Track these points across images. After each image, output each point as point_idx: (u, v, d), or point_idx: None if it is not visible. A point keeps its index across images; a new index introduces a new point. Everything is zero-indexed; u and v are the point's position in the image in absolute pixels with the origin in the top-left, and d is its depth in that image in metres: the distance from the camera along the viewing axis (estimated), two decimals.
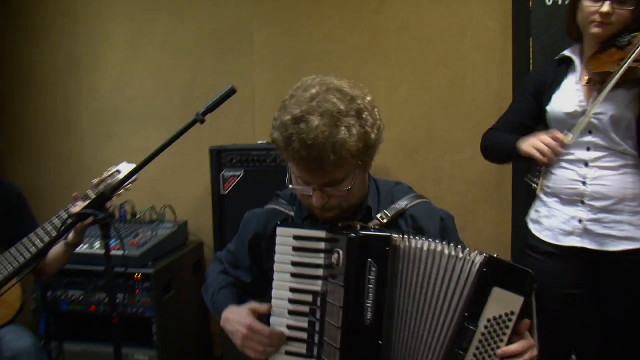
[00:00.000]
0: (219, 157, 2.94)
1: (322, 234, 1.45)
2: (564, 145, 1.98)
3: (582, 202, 2.02)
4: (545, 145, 1.98)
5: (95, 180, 2.26)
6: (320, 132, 1.34)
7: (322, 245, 1.44)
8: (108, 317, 2.69)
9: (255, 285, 1.67)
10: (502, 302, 1.33)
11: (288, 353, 1.47)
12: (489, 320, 1.33)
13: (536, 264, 2.12)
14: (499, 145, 2.21)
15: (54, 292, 2.85)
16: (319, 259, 1.44)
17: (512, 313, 1.32)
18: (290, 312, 1.47)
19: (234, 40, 3.26)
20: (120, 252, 2.67)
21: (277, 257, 1.49)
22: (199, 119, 1.60)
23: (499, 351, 1.32)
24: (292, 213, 1.63)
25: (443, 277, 1.38)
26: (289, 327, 1.47)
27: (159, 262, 2.85)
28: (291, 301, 1.47)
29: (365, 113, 1.41)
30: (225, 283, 1.68)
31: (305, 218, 1.59)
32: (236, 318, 1.51)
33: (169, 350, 2.88)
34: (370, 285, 1.38)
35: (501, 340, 1.33)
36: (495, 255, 1.35)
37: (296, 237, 1.47)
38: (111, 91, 3.47)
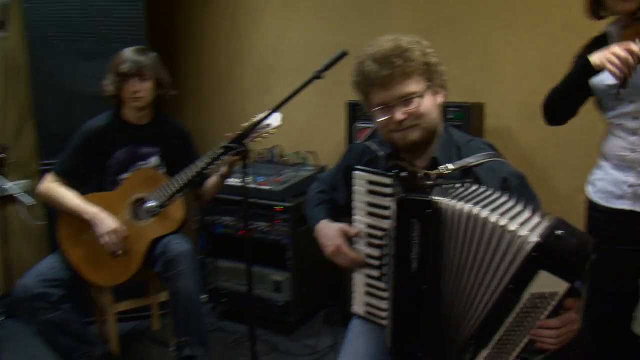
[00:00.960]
0: (354, 111, 3.23)
1: (388, 180, 1.64)
2: (635, 55, 1.82)
3: (632, 169, 2.04)
4: (616, 56, 1.83)
5: (244, 124, 2.72)
6: (386, 46, 1.70)
7: (388, 190, 1.64)
8: (252, 241, 3.22)
9: (347, 207, 1.89)
10: (547, 284, 1.35)
11: (365, 274, 1.78)
12: (532, 294, 1.38)
13: (592, 221, 2.18)
14: (567, 78, 2.11)
15: (211, 217, 3.42)
16: (387, 202, 1.64)
17: (555, 294, 1.36)
18: (367, 243, 1.75)
19: (375, 3, 3.52)
20: (267, 187, 3.17)
21: (354, 196, 1.75)
22: (317, 76, 2.01)
23: (537, 323, 1.40)
24: (382, 153, 1.91)
25: (487, 245, 1.44)
26: (366, 254, 1.76)
27: (297, 198, 3.24)
28: (367, 235, 1.75)
29: (424, 45, 1.74)
30: (322, 200, 2.04)
31: (388, 156, 1.87)
32: (328, 234, 1.86)
33: (301, 275, 3.31)
34: (414, 241, 1.53)
35: (541, 313, 1.39)
36: (558, 233, 1.35)
37: (368, 182, 1.71)
38: (268, 49, 3.93)
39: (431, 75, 1.76)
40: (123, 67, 2.69)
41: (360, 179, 1.72)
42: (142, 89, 2.72)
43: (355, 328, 1.93)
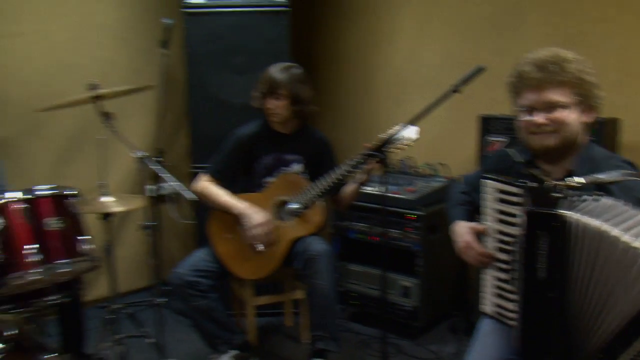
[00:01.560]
0: (486, 124, 3.28)
1: (517, 190, 1.71)
2: None
3: None
4: None
5: (382, 135, 2.87)
6: (547, 53, 1.81)
7: (517, 199, 1.71)
8: (382, 248, 3.35)
9: None
10: None
11: (495, 276, 1.88)
12: None
13: None
14: None
15: (345, 222, 3.60)
16: (515, 210, 1.72)
17: None
18: (497, 248, 1.84)
19: (510, 20, 3.56)
20: (400, 196, 3.29)
21: (484, 203, 1.85)
22: (454, 90, 2.13)
23: None
24: (520, 159, 1.99)
25: (617, 264, 1.42)
26: (496, 258, 1.84)
27: (428, 208, 3.36)
28: (496, 239, 1.83)
29: (585, 64, 1.80)
30: (462, 201, 2.15)
31: (526, 163, 1.95)
32: (459, 231, 1.99)
33: (429, 282, 3.40)
34: (541, 251, 1.57)
35: None
36: None
37: (498, 190, 1.80)
38: (402, 64, 4.08)
39: (583, 92, 1.82)
40: (264, 85, 2.95)
41: (490, 187, 1.82)
42: (277, 107, 2.96)
43: (485, 327, 2.02)
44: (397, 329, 3.44)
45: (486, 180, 1.83)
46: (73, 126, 3.77)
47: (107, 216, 2.76)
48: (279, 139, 3.05)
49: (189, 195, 2.70)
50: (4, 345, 1.95)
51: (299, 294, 3.20)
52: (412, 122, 2.43)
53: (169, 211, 3.67)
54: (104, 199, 2.76)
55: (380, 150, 2.52)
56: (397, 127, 2.66)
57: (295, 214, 2.88)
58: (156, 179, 2.71)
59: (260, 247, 2.89)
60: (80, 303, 2.78)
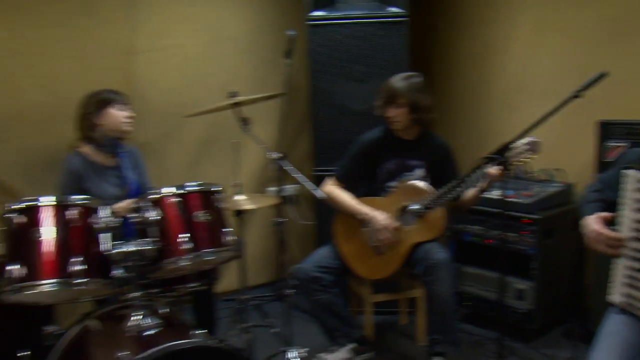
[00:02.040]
0: (606, 130, 3.27)
1: None
2: None
3: None
4: None
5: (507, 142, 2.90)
6: None
7: None
8: (498, 250, 3.40)
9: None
10: None
11: (628, 266, 1.92)
12: None
13: None
14: None
15: (461, 225, 3.69)
16: None
17: None
18: (633, 237, 1.88)
19: (630, 24, 3.49)
20: (516, 200, 3.34)
21: (624, 193, 1.90)
22: (575, 95, 2.19)
23: None
24: None
25: None
26: (633, 248, 1.89)
27: (545, 212, 3.39)
28: (633, 228, 1.87)
29: None
30: (594, 199, 2.18)
31: None
32: (588, 224, 2.04)
33: (544, 286, 3.42)
34: None
35: None
36: None
37: (638, 180, 1.86)
38: (517, 71, 4.10)
39: None
40: (385, 94, 3.09)
41: (632, 177, 1.88)
42: (397, 115, 3.09)
43: (611, 324, 2.03)
44: (511, 332, 3.48)
45: (629, 171, 1.88)
46: (205, 131, 4.11)
47: (239, 213, 3.01)
48: (402, 145, 3.18)
49: (320, 194, 2.90)
50: (159, 321, 2.20)
51: (415, 293, 3.33)
52: (531, 129, 2.49)
53: (289, 212, 3.91)
54: (237, 197, 3.00)
55: (502, 158, 2.61)
56: (521, 140, 2.70)
57: (417, 214, 3.00)
58: (280, 180, 2.92)
59: (383, 250, 3.04)
60: (213, 292, 3.05)
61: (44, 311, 2.54)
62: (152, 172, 3.36)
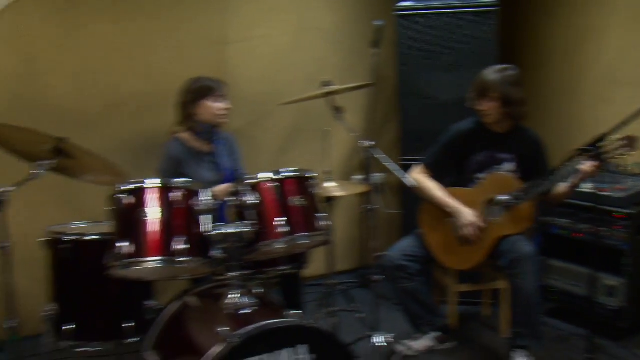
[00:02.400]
0: None
1: None
2: None
3: None
4: None
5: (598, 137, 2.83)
6: None
7: None
8: (587, 244, 3.33)
9: None
10: None
11: None
12: None
13: None
14: None
15: (548, 218, 3.62)
16: None
17: None
18: None
19: None
20: (608, 194, 3.26)
21: None
22: None
23: None
24: None
25: None
26: None
27: (638, 207, 3.29)
28: None
29: None
30: None
31: None
32: None
33: (637, 282, 3.32)
34: None
35: None
36: None
37: None
38: (613, 60, 3.95)
39: None
40: (477, 87, 3.07)
41: None
42: (488, 108, 3.06)
43: None
44: (600, 329, 3.40)
45: None
46: (293, 119, 4.21)
47: (329, 200, 3.07)
48: (493, 138, 3.16)
49: (410, 183, 2.93)
50: (255, 300, 2.30)
51: (499, 285, 3.31)
52: (628, 122, 2.42)
53: (375, 200, 3.95)
54: (327, 184, 3.07)
55: (595, 151, 2.56)
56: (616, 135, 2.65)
57: (505, 206, 2.99)
58: (368, 168, 2.96)
59: (471, 241, 3.05)
60: (301, 276, 3.14)
61: (145, 287, 2.70)
62: (243, 157, 3.48)
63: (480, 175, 3.16)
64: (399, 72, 3.89)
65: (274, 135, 4.22)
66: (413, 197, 3.28)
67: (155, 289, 2.80)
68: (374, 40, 2.95)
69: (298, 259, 2.84)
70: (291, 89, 3.87)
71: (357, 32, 4.36)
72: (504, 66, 3.09)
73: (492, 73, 3.05)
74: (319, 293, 3.57)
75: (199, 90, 3.12)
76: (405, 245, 3.18)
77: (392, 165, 2.83)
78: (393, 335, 3.08)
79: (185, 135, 3.15)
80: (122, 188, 2.30)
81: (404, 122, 3.94)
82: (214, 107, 3.12)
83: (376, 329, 3.01)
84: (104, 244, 2.39)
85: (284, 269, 2.75)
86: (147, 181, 2.31)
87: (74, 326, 2.56)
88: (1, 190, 2.40)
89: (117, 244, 2.24)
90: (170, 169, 3.02)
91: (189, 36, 3.85)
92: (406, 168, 3.32)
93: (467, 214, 3.03)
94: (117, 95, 3.66)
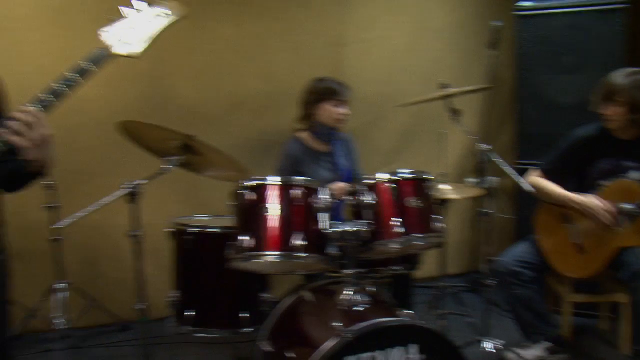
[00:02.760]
0: None
1: None
2: None
3: None
4: None
5: None
6: None
7: None
8: None
9: None
10: None
11: None
12: None
13: None
14: None
15: None
16: None
17: None
18: None
19: None
20: None
21: None
22: None
23: None
24: None
25: None
26: None
27: None
28: None
29: None
30: None
31: None
32: None
33: None
34: None
35: None
36: None
37: None
38: None
39: None
40: (603, 90, 2.94)
41: None
42: (613, 113, 2.93)
43: None
44: None
45: None
46: (408, 120, 4.23)
47: (443, 202, 3.07)
48: (618, 145, 3.02)
49: (527, 187, 2.88)
50: (368, 298, 2.35)
51: (619, 298, 3.16)
52: None
53: (489, 204, 3.89)
54: (442, 186, 3.06)
55: None
56: None
57: (630, 214, 2.86)
58: (483, 171, 2.93)
59: (586, 247, 2.94)
60: (411, 277, 3.15)
61: (261, 280, 2.81)
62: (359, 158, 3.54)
63: (604, 182, 3.04)
64: (517, 74, 3.83)
65: (388, 136, 4.26)
66: (528, 202, 3.21)
67: (270, 282, 2.91)
68: (492, 41, 2.92)
69: (410, 259, 2.86)
70: (407, 90, 3.91)
71: (474, 32, 4.32)
72: (634, 69, 2.94)
73: (620, 76, 2.91)
74: (429, 295, 3.58)
75: (322, 92, 3.19)
76: (519, 250, 3.11)
77: (508, 169, 2.79)
78: (503, 341, 3.03)
79: (304, 135, 3.25)
80: (245, 184, 2.41)
81: (521, 125, 3.86)
82: (333, 110, 3.19)
83: (486, 334, 2.98)
84: (225, 237, 2.53)
85: (396, 269, 2.77)
86: (268, 178, 2.40)
87: (194, 313, 2.71)
88: (135, 183, 2.58)
89: (239, 237, 2.35)
90: (288, 167, 3.13)
91: (308, 38, 3.97)
92: (522, 172, 3.25)
93: (594, 201, 2.91)
94: (239, 95, 3.83)
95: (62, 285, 3.54)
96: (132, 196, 2.56)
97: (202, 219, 3.02)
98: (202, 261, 2.75)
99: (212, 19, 3.77)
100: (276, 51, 3.91)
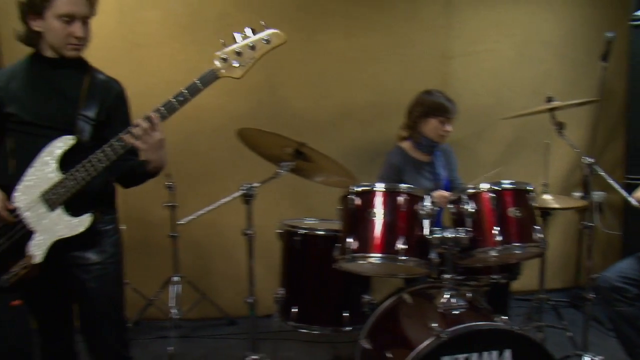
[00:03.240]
0: None
1: None
2: None
3: None
4: None
5: None
6: None
7: None
8: None
9: None
10: None
11: None
12: None
13: None
14: None
15: None
16: None
17: None
18: None
19: None
20: None
21: None
22: None
23: None
24: None
25: None
26: None
27: None
28: None
29: None
30: None
31: None
32: None
33: None
34: None
35: None
36: None
37: None
38: None
39: None
40: None
41: None
42: None
43: None
44: None
45: None
46: (512, 132, 4.25)
47: (546, 214, 3.09)
48: None
49: (634, 203, 2.85)
50: (466, 303, 2.44)
51: None
52: None
53: (593, 218, 3.85)
54: (545, 196, 3.08)
55: None
56: None
57: None
58: (588, 185, 2.92)
59: None
60: (509, 288, 3.18)
61: (363, 282, 2.95)
62: (461, 168, 3.61)
63: None
64: (630, 87, 3.76)
65: (493, 147, 4.29)
66: (635, 218, 3.16)
67: (371, 285, 3.04)
68: (603, 53, 2.91)
69: (511, 269, 2.90)
70: (513, 102, 3.94)
71: (584, 45, 4.28)
72: None
73: None
74: (527, 307, 3.58)
75: (432, 107, 3.27)
76: (625, 266, 3.06)
77: (615, 184, 2.78)
78: (603, 358, 3.00)
79: (407, 145, 3.36)
80: (354, 190, 2.57)
81: (633, 139, 3.78)
82: (439, 127, 3.27)
83: (585, 350, 2.96)
84: (331, 239, 2.71)
85: (495, 277, 2.82)
86: (376, 185, 2.55)
87: (298, 309, 2.88)
88: (250, 185, 2.80)
89: (346, 240, 2.51)
90: (391, 176, 3.25)
91: (416, 50, 4.09)
92: (631, 187, 3.21)
93: None
94: (347, 105, 4.01)
95: (177, 278, 3.86)
96: (247, 198, 2.78)
97: (310, 222, 3.20)
98: (309, 261, 2.92)
99: (324, 32, 3.98)
100: (384, 63, 4.05)
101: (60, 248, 2.19)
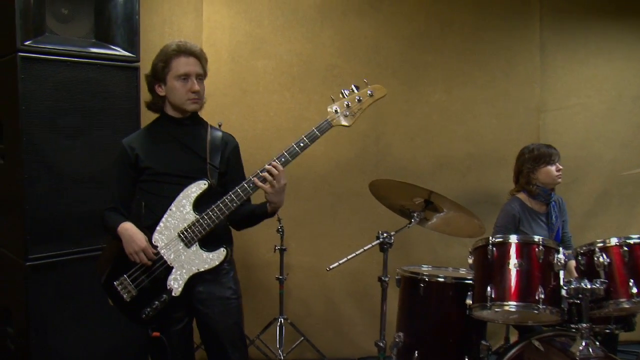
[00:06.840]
0: None
1: None
2: None
3: None
4: None
5: None
6: None
7: None
8: None
9: None
10: None
11: None
12: None
13: None
14: None
15: None
16: None
17: None
18: None
19: None
20: None
21: None
22: None
23: None
24: None
25: None
26: None
27: None
28: None
29: None
30: None
31: None
32: None
33: None
34: None
35: None
36: None
37: None
38: None
39: None
40: None
41: None
42: None
43: None
44: None
45: None
46: (603, 184, 4.37)
47: None
48: None
49: None
50: (600, 353, 2.55)
51: None
52: None
53: None
54: None
55: None
56: None
57: None
58: None
59: None
60: (618, 336, 3.25)
61: (481, 328, 3.07)
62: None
63: None
64: None
65: (584, 199, 4.40)
66: None
67: (486, 331, 3.15)
68: None
69: (626, 320, 2.99)
70: (603, 154, 4.09)
71: None
72: None
73: None
74: (634, 356, 3.63)
75: (540, 157, 3.46)
76: None
77: None
78: None
79: (523, 196, 3.52)
80: (491, 241, 2.74)
81: None
82: (552, 171, 3.44)
83: None
84: (455, 287, 2.93)
85: (613, 327, 2.93)
86: (510, 237, 2.73)
87: (418, 354, 3.00)
88: (388, 234, 2.96)
89: (483, 288, 2.66)
90: (509, 226, 3.41)
91: (511, 104, 4.27)
92: None
93: None
94: (446, 155, 4.19)
95: (281, 319, 4.02)
96: (384, 246, 2.94)
97: (427, 269, 3.32)
98: (432, 307, 3.06)
99: (425, 85, 4.19)
100: (481, 116, 4.23)
101: (190, 284, 2.46)
